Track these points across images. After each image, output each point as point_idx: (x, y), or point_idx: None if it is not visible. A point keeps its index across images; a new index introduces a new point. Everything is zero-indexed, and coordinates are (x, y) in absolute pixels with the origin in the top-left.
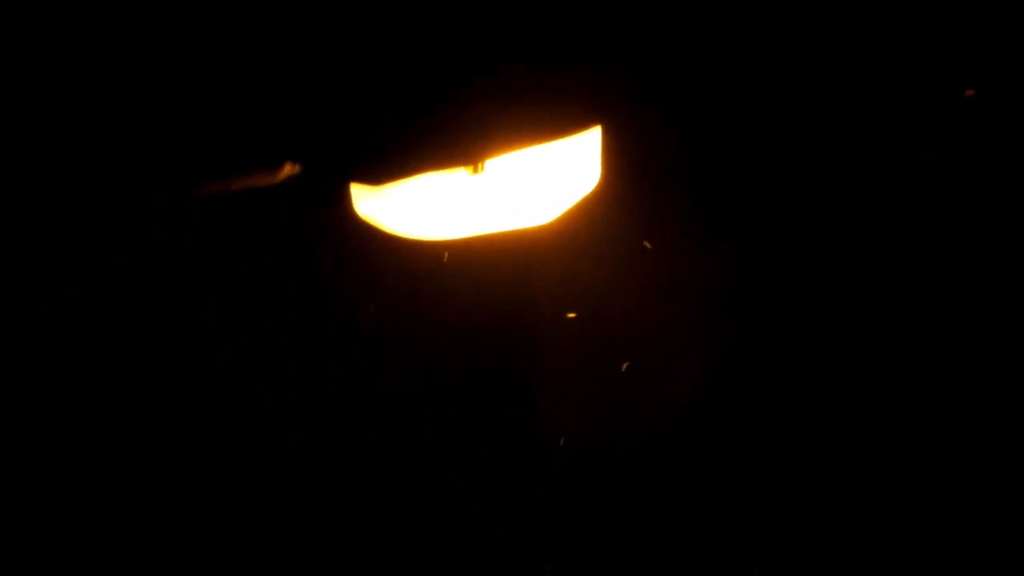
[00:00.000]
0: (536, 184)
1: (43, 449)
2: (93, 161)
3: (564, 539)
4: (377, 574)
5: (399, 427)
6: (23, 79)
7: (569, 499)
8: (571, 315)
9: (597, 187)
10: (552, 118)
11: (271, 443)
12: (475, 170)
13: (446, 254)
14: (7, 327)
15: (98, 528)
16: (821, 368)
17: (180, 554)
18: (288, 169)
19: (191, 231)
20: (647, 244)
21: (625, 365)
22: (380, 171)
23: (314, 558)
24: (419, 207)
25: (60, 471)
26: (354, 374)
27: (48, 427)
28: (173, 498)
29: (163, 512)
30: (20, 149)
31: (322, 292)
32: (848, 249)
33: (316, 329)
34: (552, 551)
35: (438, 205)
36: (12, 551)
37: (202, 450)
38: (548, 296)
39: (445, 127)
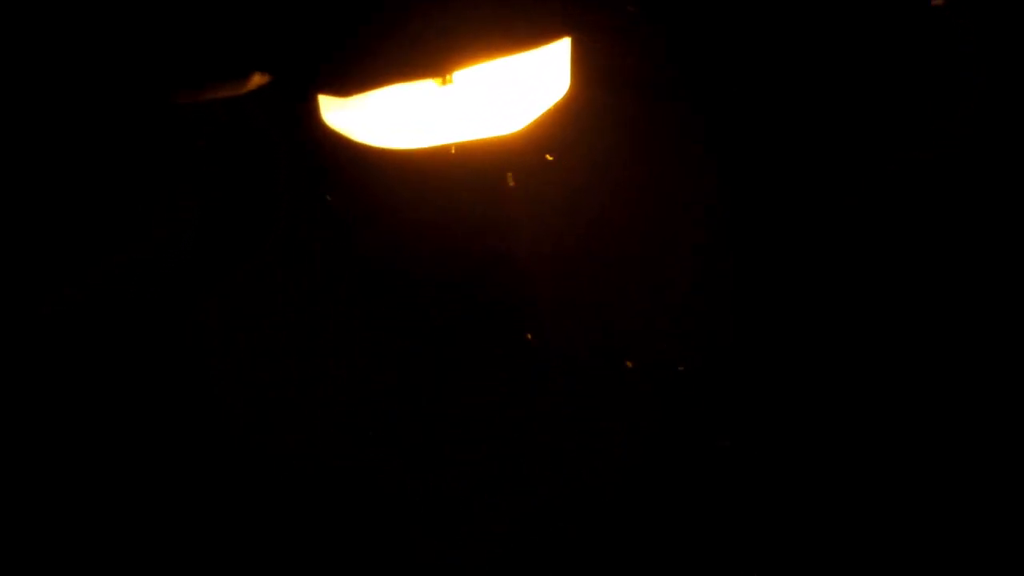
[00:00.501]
0: (505, 94)
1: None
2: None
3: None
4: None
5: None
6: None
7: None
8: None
9: (566, 95)
10: (521, 28)
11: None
12: (443, 82)
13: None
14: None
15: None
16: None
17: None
18: (256, 79)
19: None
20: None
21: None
22: (347, 82)
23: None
24: (388, 117)
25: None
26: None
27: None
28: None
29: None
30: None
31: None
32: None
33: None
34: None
35: (407, 115)
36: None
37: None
38: (520, 204)
39: (412, 38)
